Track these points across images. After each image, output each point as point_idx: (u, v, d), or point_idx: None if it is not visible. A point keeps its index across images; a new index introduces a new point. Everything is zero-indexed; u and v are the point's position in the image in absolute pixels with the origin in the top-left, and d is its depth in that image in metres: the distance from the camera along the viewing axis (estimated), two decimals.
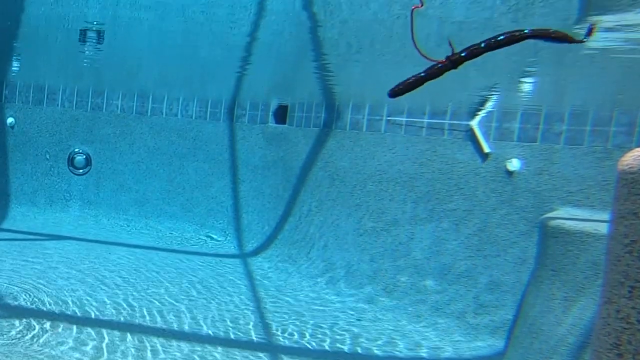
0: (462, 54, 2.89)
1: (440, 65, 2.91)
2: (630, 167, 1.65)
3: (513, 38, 2.87)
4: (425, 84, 3.02)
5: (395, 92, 3.07)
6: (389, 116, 6.32)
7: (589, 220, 4.00)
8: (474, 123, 5.71)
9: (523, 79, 5.61)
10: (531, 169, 5.43)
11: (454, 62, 2.90)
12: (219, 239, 8.29)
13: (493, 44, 2.87)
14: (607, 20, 4.01)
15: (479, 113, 5.73)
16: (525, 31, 2.87)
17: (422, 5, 2.99)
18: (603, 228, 3.42)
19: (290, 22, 6.14)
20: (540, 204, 5.28)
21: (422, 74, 2.95)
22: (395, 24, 5.37)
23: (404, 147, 6.15)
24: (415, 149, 6.07)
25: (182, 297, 5.53)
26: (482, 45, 2.88)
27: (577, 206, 5.08)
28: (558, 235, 3.75)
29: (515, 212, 5.43)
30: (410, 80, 2.99)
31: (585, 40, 3.01)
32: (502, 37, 2.87)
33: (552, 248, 3.81)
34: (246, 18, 6.20)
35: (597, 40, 4.34)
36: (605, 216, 2.79)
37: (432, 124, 6.01)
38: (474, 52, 2.90)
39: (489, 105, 5.73)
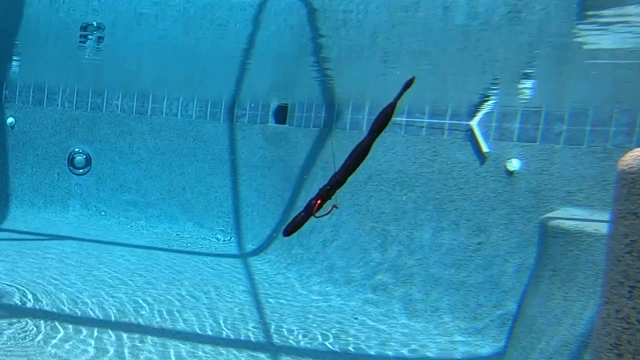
0: (329, 187, 3.54)
1: (313, 201, 3.52)
2: (630, 167, 1.65)
3: (358, 158, 3.57)
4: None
5: (288, 232, 3.64)
6: None
7: (589, 220, 3.99)
8: (474, 123, 5.71)
9: (523, 79, 5.60)
10: (531, 169, 5.42)
11: (325, 195, 3.53)
12: (224, 238, 8.29)
13: (346, 171, 3.56)
14: (607, 16, 4.00)
15: (479, 113, 5.73)
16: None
17: (337, 207, 3.64)
18: (603, 228, 3.42)
19: (290, 22, 6.14)
20: (540, 204, 5.27)
21: (303, 214, 3.54)
22: (395, 24, 5.37)
23: (404, 147, 6.15)
24: (415, 149, 6.07)
25: (184, 296, 5.53)
26: (340, 173, 3.57)
27: (577, 206, 5.07)
28: (558, 235, 3.75)
29: (515, 212, 5.42)
30: (297, 220, 3.56)
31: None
32: (349, 162, 3.57)
33: (552, 248, 3.81)
34: (246, 18, 6.21)
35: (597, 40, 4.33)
36: (605, 216, 2.79)
37: (432, 124, 6.00)
38: (338, 181, 3.57)
39: (489, 105, 5.73)
